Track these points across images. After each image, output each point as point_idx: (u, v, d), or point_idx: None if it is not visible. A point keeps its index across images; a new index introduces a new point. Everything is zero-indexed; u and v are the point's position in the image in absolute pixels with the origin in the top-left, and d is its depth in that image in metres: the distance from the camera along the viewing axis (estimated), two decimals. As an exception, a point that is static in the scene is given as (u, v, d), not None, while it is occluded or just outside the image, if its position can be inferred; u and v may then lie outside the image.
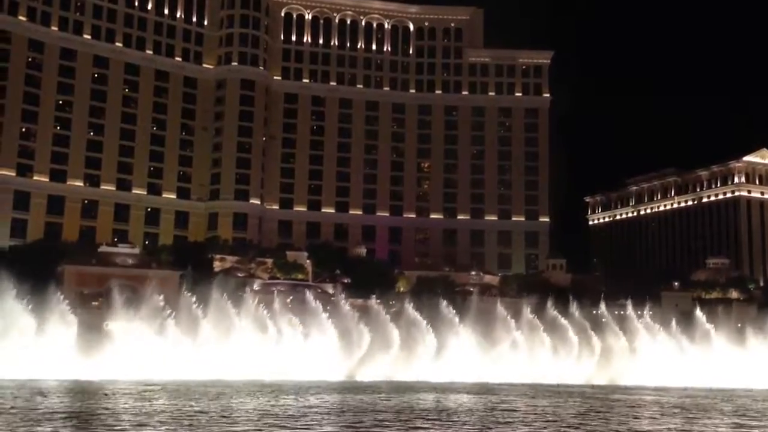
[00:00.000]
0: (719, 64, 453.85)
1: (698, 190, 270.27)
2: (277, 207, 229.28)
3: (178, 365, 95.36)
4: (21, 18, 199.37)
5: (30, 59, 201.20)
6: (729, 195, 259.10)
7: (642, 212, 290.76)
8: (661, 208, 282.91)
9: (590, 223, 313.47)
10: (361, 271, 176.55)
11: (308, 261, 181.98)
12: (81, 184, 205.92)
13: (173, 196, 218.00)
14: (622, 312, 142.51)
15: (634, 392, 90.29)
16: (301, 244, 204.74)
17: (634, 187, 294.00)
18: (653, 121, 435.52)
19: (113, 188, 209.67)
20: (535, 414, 53.80)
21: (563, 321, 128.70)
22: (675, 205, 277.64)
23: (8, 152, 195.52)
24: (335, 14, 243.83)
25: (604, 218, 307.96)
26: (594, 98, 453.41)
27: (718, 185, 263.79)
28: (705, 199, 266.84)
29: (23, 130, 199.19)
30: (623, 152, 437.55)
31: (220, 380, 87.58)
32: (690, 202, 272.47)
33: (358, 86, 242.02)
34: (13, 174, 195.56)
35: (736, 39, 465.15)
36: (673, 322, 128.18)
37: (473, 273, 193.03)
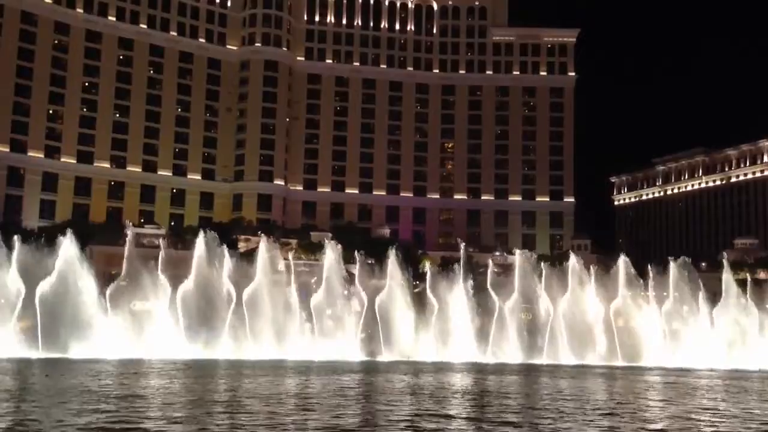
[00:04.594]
0: (750, 40, 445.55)
1: (727, 169, 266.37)
2: (300, 188, 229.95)
3: (202, 345, 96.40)
4: (46, 1, 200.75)
5: (56, 41, 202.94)
6: (758, 174, 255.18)
7: (669, 192, 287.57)
8: (689, 188, 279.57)
9: (616, 203, 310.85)
10: (385, 251, 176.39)
11: (332, 242, 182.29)
12: (107, 165, 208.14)
13: (198, 177, 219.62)
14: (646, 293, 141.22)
15: (661, 374, 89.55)
16: (324, 225, 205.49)
17: (661, 167, 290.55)
18: (681, 99, 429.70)
19: (139, 169, 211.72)
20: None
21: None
22: (703, 185, 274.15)
23: (36, 134, 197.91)
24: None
25: (630, 198, 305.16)
26: (621, 77, 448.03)
27: (747, 165, 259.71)
28: (733, 179, 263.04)
29: (50, 112, 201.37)
30: (650, 131, 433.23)
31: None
32: (718, 182, 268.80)
33: (382, 66, 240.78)
34: (42, 156, 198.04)
35: None
36: (700, 301, 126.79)
37: (497, 253, 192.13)
